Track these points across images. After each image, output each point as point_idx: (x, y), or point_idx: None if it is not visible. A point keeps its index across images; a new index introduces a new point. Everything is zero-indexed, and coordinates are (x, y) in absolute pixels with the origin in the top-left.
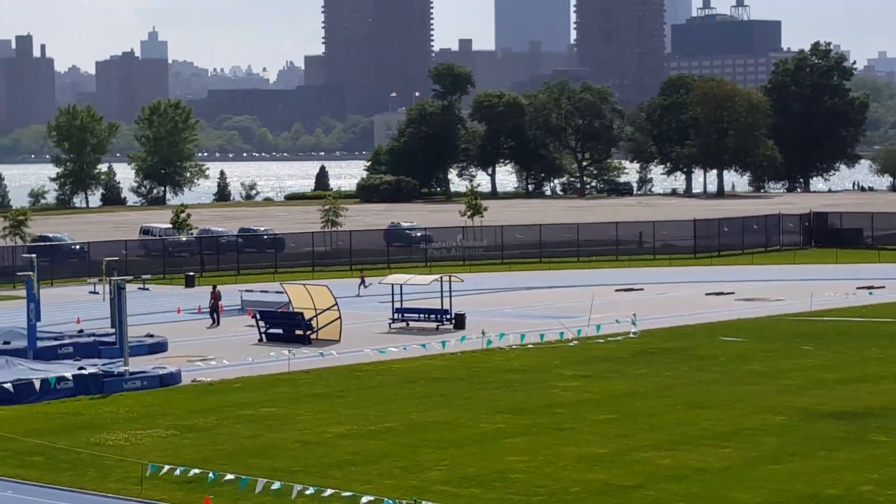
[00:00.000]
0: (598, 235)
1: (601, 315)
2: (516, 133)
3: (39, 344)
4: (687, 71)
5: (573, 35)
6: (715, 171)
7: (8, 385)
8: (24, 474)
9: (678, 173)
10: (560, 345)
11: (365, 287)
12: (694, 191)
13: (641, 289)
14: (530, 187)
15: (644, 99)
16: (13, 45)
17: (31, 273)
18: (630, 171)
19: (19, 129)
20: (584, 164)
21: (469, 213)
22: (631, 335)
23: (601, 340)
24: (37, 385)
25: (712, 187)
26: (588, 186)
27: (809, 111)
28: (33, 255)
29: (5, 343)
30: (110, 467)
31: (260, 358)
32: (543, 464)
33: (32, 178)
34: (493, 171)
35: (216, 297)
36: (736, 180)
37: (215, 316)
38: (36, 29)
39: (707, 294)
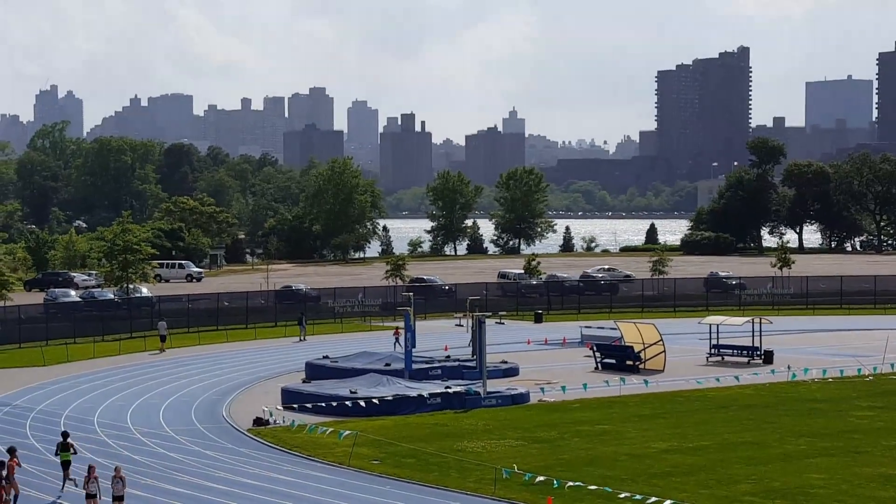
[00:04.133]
0: (893, 286)
1: (895, 355)
2: (822, 197)
3: (414, 366)
4: None
5: (875, 113)
6: None
7: (389, 398)
8: (400, 472)
9: None
10: (857, 379)
11: (399, 346)
12: None
13: None
14: (833, 244)
15: None
16: (399, 122)
17: (408, 308)
18: None
19: (402, 190)
20: (882, 224)
21: (779, 265)
22: None
23: (895, 377)
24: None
25: None
26: (885, 244)
27: None
28: (411, 294)
29: (386, 365)
30: (469, 470)
31: (595, 383)
32: (840, 481)
33: (412, 230)
34: (801, 230)
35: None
36: None
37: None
38: (418, 108)
39: None
